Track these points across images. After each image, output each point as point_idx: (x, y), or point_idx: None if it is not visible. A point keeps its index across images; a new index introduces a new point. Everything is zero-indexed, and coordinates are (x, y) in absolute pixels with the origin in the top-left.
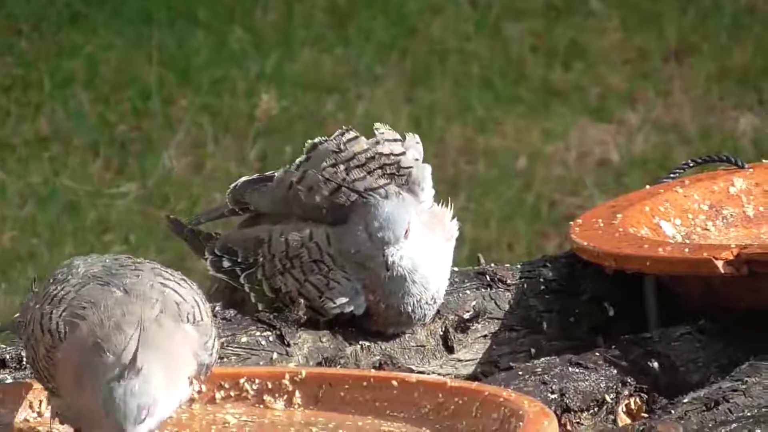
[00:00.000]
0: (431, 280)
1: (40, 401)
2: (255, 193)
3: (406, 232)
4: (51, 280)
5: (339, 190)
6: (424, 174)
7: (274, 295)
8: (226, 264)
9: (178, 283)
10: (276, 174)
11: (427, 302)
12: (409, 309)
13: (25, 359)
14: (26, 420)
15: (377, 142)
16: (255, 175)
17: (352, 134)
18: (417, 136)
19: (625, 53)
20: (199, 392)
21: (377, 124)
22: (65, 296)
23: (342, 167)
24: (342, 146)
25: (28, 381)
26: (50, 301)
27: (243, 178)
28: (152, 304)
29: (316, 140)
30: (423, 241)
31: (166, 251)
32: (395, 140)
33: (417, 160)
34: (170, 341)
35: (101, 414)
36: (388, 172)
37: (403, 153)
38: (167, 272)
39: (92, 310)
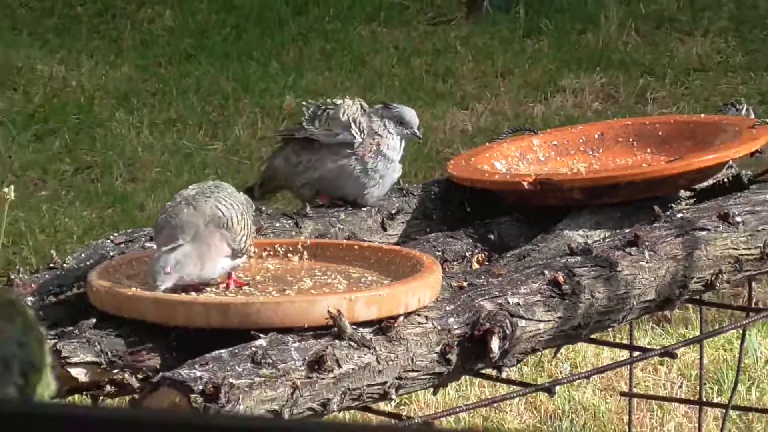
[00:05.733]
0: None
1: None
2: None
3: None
4: (173, 197)
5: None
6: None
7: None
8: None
9: (227, 207)
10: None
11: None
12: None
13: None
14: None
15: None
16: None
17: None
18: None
19: (476, 74)
20: (252, 255)
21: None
22: (166, 208)
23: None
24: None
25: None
26: (162, 209)
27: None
28: (205, 217)
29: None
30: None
31: (236, 178)
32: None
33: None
34: (210, 237)
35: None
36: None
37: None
38: (226, 198)
39: (172, 219)
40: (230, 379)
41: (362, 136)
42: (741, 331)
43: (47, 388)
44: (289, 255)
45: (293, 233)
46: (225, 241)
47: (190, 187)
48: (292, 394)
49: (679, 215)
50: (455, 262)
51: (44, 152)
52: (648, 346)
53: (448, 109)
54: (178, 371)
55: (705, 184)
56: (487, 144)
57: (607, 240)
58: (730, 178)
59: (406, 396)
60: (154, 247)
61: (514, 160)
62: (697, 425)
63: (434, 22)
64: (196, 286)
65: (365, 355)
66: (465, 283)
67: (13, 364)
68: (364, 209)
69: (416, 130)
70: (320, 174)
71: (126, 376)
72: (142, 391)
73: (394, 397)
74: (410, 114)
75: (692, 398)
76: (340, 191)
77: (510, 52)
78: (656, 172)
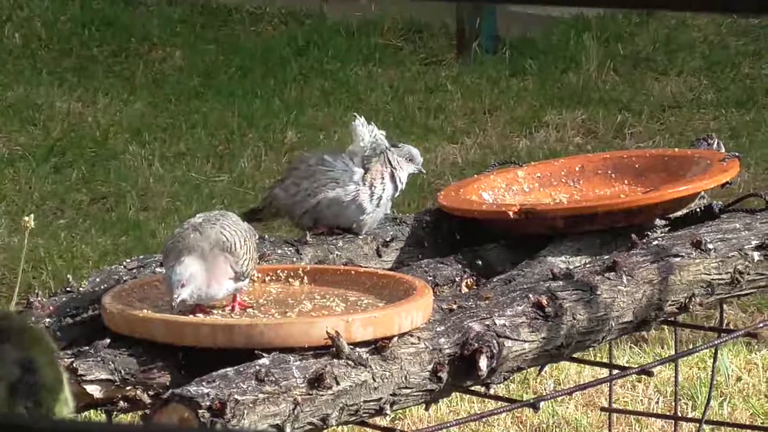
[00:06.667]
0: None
1: None
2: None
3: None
4: (181, 223)
5: None
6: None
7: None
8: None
9: (231, 233)
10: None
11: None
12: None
13: None
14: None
15: None
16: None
17: None
18: None
19: (465, 111)
20: (255, 280)
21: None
22: (175, 233)
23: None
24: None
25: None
26: (171, 235)
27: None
28: (210, 241)
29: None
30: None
31: (241, 207)
32: None
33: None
34: (215, 259)
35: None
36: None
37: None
38: (230, 225)
39: (180, 242)
40: (236, 396)
41: (365, 163)
42: (713, 351)
43: (66, 406)
44: (291, 279)
45: (294, 259)
46: (228, 264)
47: (197, 215)
48: (293, 409)
49: (655, 242)
50: (445, 287)
51: (62, 183)
52: (626, 365)
53: (439, 143)
54: (187, 388)
55: (679, 213)
56: (476, 176)
57: (587, 265)
58: (703, 208)
59: (400, 411)
60: (164, 271)
61: (501, 191)
62: None
63: (426, 62)
64: (203, 308)
65: (362, 373)
66: (455, 306)
67: (19, 387)
68: (361, 237)
69: (420, 167)
70: (319, 200)
71: (138, 392)
72: (153, 407)
73: (388, 412)
74: (416, 152)
75: (668, 413)
76: (336, 219)
77: (497, 90)
78: (633, 202)
